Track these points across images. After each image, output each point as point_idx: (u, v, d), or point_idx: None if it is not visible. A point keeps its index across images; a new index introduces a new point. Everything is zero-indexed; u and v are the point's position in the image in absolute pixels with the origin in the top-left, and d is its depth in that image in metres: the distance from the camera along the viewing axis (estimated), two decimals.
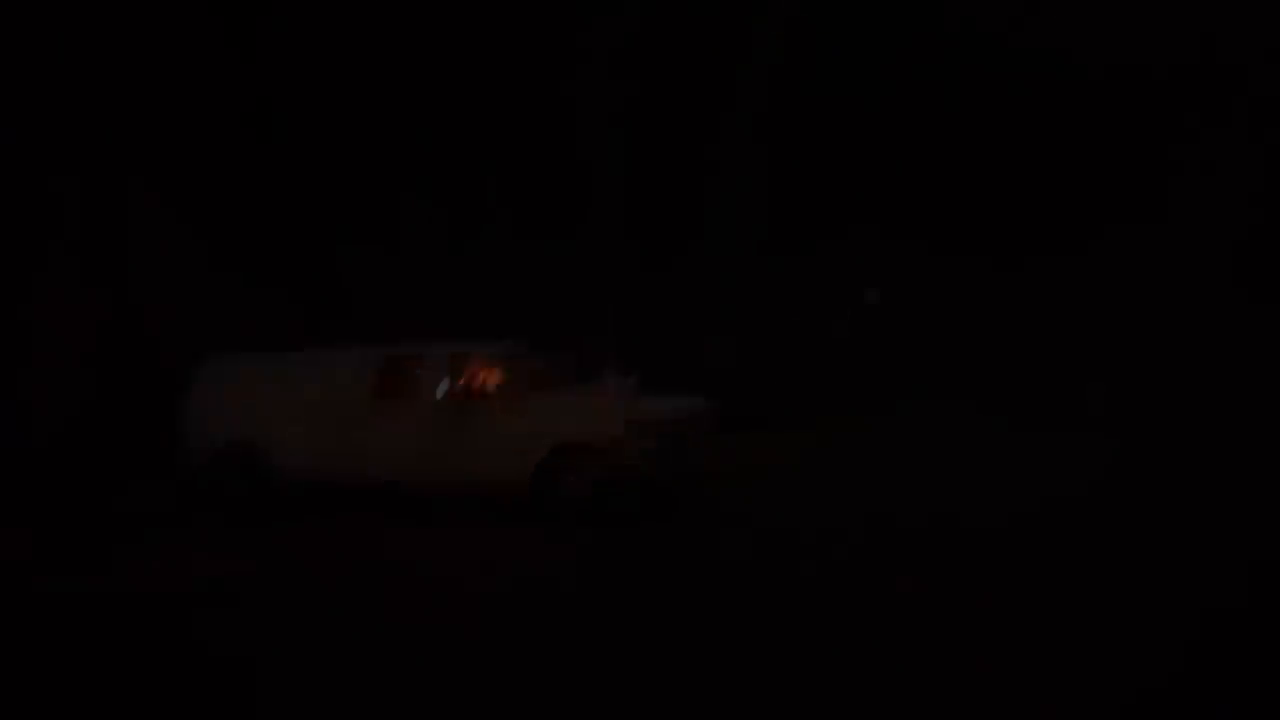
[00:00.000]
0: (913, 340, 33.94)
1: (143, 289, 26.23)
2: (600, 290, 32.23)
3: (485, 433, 20.32)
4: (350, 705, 11.20)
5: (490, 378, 20.72)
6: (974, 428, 28.78)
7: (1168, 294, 31.59)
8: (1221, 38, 31.48)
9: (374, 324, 28.67)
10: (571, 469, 19.80)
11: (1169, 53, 31.57)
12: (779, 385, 32.44)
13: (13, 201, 24.01)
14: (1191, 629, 12.31)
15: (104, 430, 23.68)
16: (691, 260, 33.10)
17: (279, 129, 29.78)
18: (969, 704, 10.91)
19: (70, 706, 11.02)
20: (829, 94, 33.46)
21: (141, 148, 26.38)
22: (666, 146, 32.90)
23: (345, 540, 18.75)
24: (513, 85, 32.05)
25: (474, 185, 32.45)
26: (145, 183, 26.46)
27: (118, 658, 12.39)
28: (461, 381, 20.79)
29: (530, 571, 16.31)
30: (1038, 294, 33.28)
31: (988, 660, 11.80)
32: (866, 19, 33.14)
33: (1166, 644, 11.98)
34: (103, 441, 23.51)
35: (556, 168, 32.79)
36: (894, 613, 12.98)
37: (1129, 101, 32.65)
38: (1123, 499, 19.10)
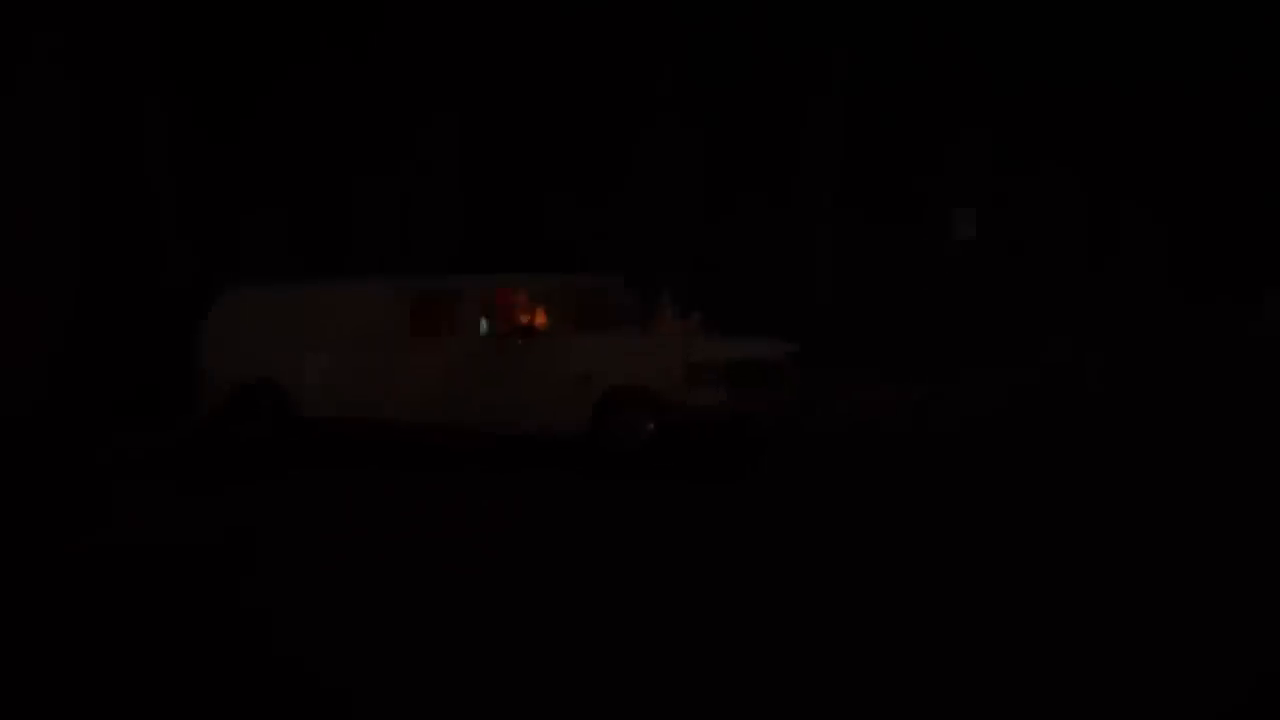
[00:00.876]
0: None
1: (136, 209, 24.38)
2: (671, 229, 30.45)
3: (530, 375, 18.72)
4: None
5: (537, 315, 18.76)
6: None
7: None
8: None
9: (393, 257, 27.01)
10: (626, 416, 18.14)
11: None
12: (884, 329, 30.40)
13: None
14: None
15: (93, 375, 21.74)
16: (777, 205, 31.56)
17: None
18: None
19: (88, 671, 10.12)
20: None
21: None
22: (749, 92, 31.42)
23: (361, 493, 17.22)
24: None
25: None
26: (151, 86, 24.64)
27: (130, 611, 11.71)
28: (505, 318, 18.86)
29: (543, 532, 14.74)
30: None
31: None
32: None
33: None
34: (92, 387, 21.58)
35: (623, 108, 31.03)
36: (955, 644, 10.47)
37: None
38: None
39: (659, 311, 19.40)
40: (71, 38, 21.52)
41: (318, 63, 28.88)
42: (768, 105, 32.23)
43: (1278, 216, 35.18)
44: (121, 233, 24.13)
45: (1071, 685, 9.24)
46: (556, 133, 31.32)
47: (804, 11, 31.79)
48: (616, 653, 10.11)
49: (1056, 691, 9.15)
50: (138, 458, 19.78)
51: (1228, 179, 35.11)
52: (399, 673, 9.77)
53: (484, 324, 19.07)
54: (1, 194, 21.15)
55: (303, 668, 10.03)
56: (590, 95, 31.48)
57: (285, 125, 28.29)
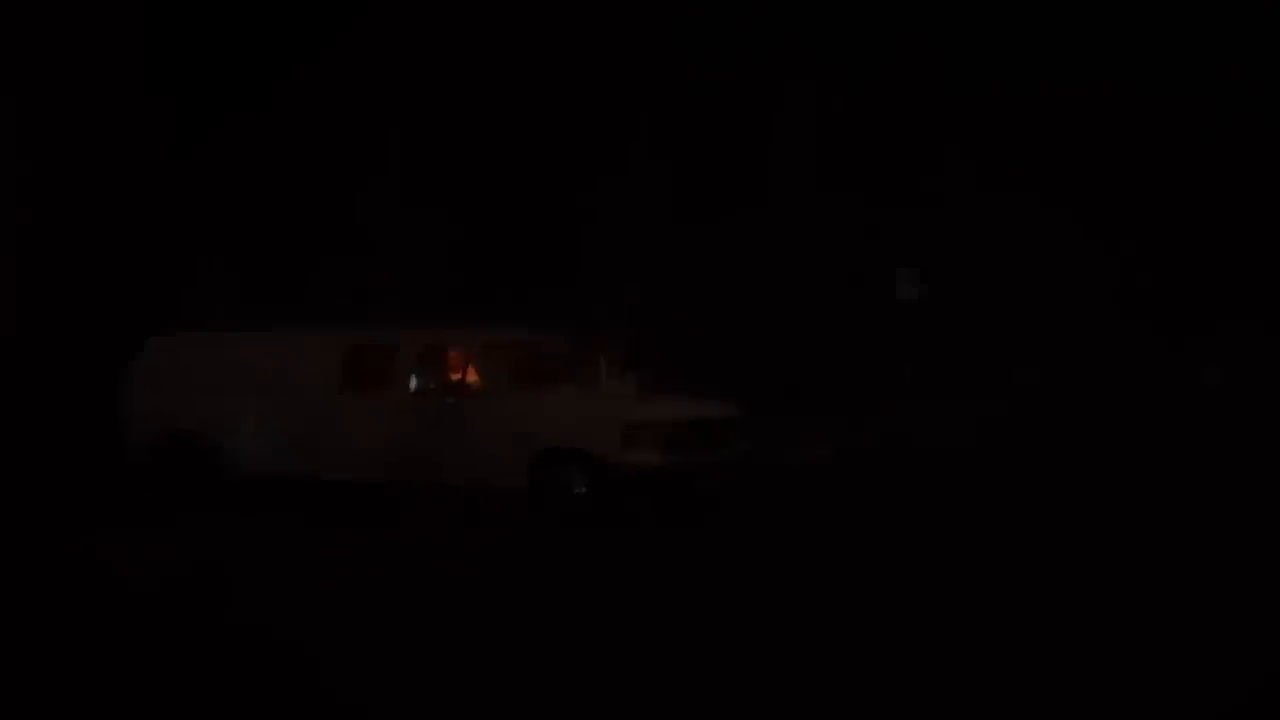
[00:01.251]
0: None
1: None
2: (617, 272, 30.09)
3: (465, 433, 18.01)
4: None
5: (471, 371, 18.32)
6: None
7: None
8: None
9: (332, 307, 26.51)
10: (561, 475, 17.76)
11: None
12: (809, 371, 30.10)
13: None
14: None
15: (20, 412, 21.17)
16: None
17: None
18: None
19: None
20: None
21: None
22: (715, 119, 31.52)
23: (283, 545, 16.71)
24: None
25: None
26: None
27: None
28: (440, 374, 18.50)
29: (474, 582, 14.34)
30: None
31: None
32: None
33: None
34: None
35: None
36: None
37: None
38: None
39: (598, 369, 19.03)
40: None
41: (270, 102, 28.29)
42: (735, 132, 31.91)
43: (1241, 248, 35.20)
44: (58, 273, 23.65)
45: None
46: (520, 172, 30.85)
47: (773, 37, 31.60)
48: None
49: None
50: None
51: (1194, 211, 35.10)
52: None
53: (414, 380, 18.63)
54: None
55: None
56: (552, 141, 31.08)
57: (239, 163, 27.63)
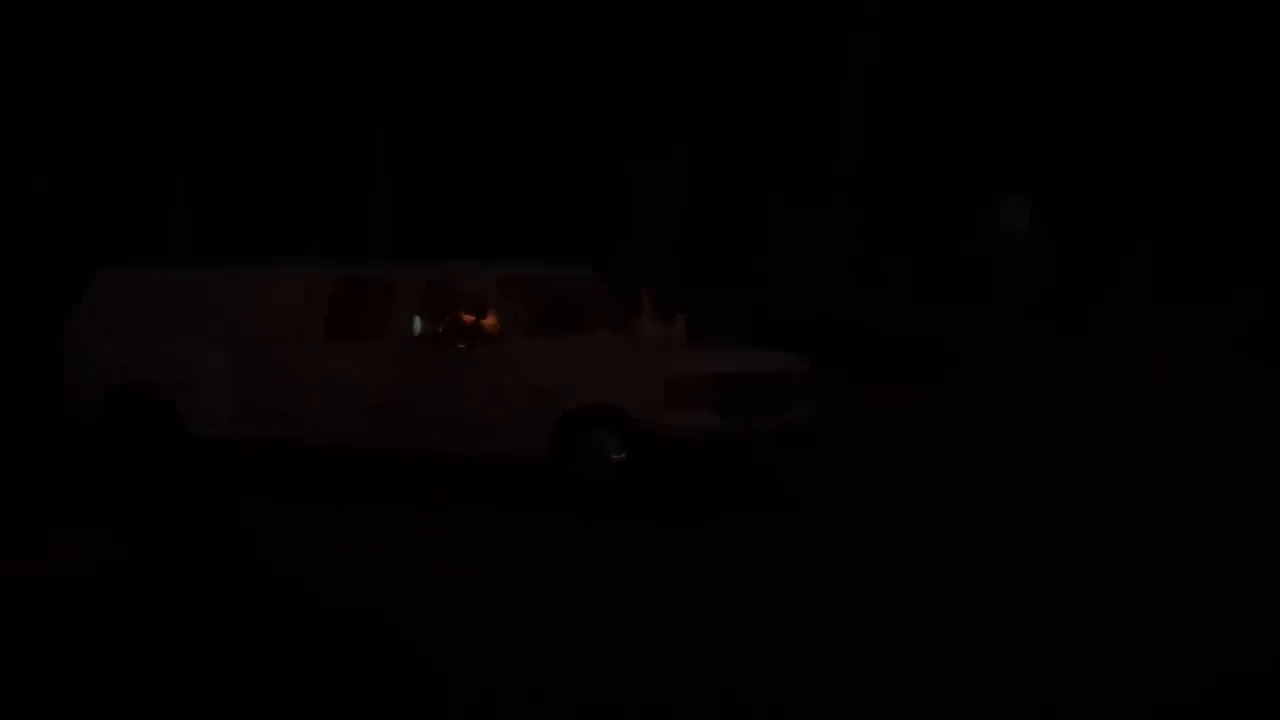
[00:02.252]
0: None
1: None
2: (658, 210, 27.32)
3: (475, 388, 15.25)
4: None
5: (485, 313, 15.31)
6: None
7: None
8: None
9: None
10: (591, 440, 14.80)
11: None
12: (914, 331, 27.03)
13: None
14: None
15: None
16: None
17: None
18: None
19: None
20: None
21: None
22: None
23: (244, 530, 13.88)
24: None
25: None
26: None
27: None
28: (446, 317, 15.54)
29: (481, 586, 11.43)
30: None
31: None
32: None
33: None
34: None
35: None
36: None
37: None
38: None
39: (638, 313, 15.85)
40: None
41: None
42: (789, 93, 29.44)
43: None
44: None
45: None
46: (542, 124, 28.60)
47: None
48: None
49: None
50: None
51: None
52: None
53: (418, 323, 15.48)
54: None
55: None
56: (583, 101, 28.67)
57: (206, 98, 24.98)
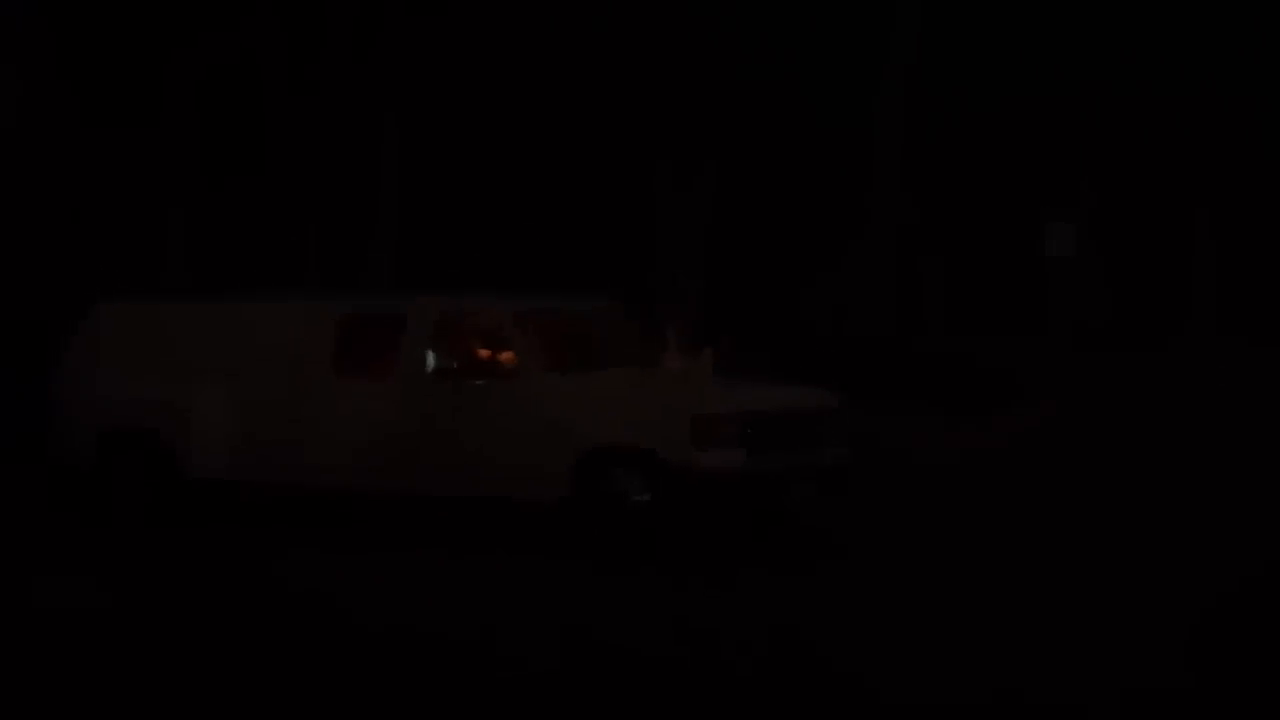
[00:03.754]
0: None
1: None
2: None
3: (491, 427, 14.35)
4: None
5: (501, 348, 14.55)
6: None
7: None
8: None
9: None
10: (614, 483, 13.90)
11: None
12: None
13: None
14: None
15: None
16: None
17: None
18: None
19: None
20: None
21: None
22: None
23: (251, 566, 13.12)
24: None
25: None
26: None
27: None
28: (459, 351, 14.71)
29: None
30: None
31: None
32: None
33: None
34: None
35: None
36: None
37: None
38: None
39: (662, 346, 14.98)
40: None
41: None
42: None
43: None
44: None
45: None
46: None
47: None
48: None
49: None
50: None
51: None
52: None
53: (431, 358, 14.61)
54: None
55: None
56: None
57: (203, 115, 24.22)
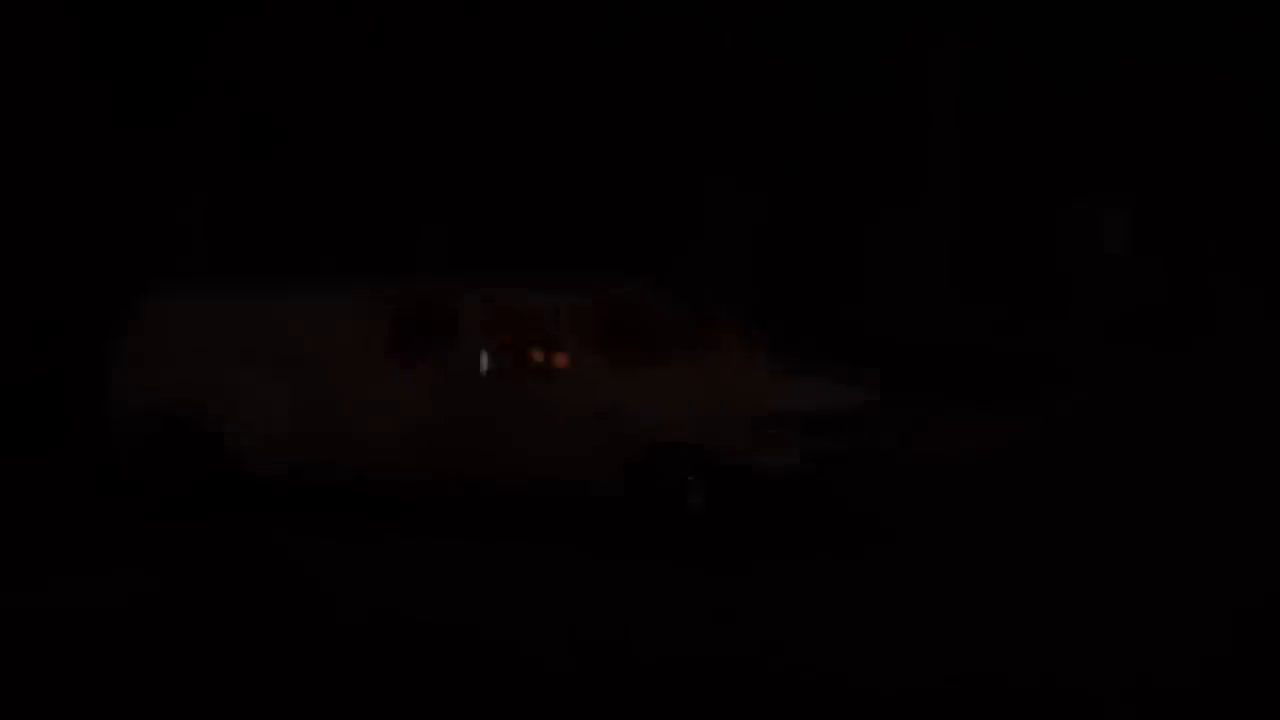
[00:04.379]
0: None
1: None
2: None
3: (540, 423, 14.21)
4: None
5: (554, 340, 14.23)
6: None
7: None
8: None
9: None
10: (671, 480, 13.74)
11: None
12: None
13: None
14: None
15: None
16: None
17: None
18: None
19: None
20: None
21: None
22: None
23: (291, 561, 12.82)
24: None
25: None
26: None
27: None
28: (511, 342, 14.40)
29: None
30: None
31: None
32: None
33: None
34: None
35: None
36: None
37: None
38: None
39: (717, 340, 14.77)
40: None
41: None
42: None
43: None
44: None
45: None
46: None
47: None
48: None
49: None
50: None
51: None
52: None
53: (483, 348, 14.40)
54: None
55: None
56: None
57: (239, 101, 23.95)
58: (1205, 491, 16.79)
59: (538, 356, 14.25)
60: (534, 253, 26.17)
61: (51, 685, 9.00)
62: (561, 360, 14.15)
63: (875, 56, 29.09)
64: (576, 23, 28.11)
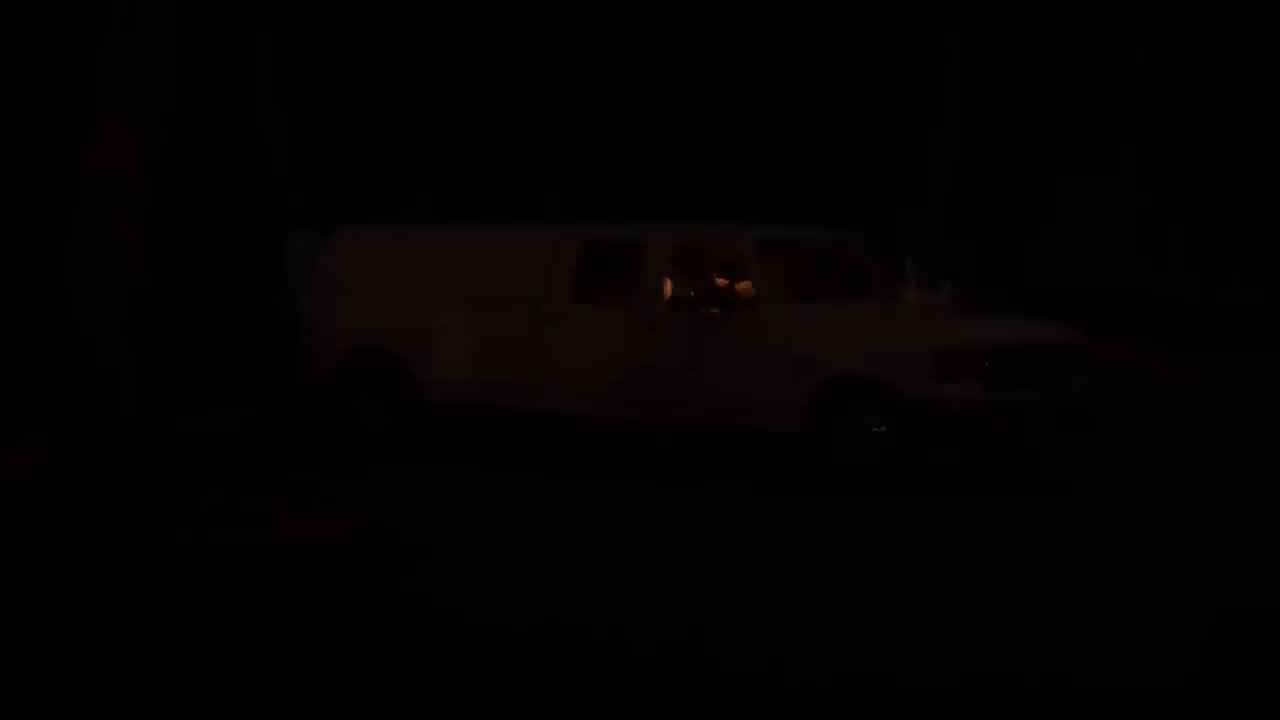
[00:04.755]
0: None
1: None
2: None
3: (729, 357, 14.23)
4: None
5: (739, 279, 14.37)
6: None
7: None
8: None
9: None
10: (852, 413, 13.69)
11: None
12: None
13: None
14: None
15: (182, 324, 17.41)
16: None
17: None
18: None
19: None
20: None
21: None
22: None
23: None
24: None
25: None
26: None
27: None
28: (698, 281, 14.61)
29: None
30: None
31: None
32: None
33: None
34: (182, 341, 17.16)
35: None
36: None
37: None
38: None
39: (902, 279, 14.79)
40: None
41: None
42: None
43: None
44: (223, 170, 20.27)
45: None
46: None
47: None
48: None
49: None
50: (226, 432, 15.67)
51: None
52: None
53: (669, 287, 14.55)
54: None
55: None
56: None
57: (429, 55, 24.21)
58: None
59: (721, 296, 14.37)
60: (730, 198, 26.32)
61: (253, 622, 9.11)
62: (746, 298, 14.28)
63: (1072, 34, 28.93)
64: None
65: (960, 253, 23.63)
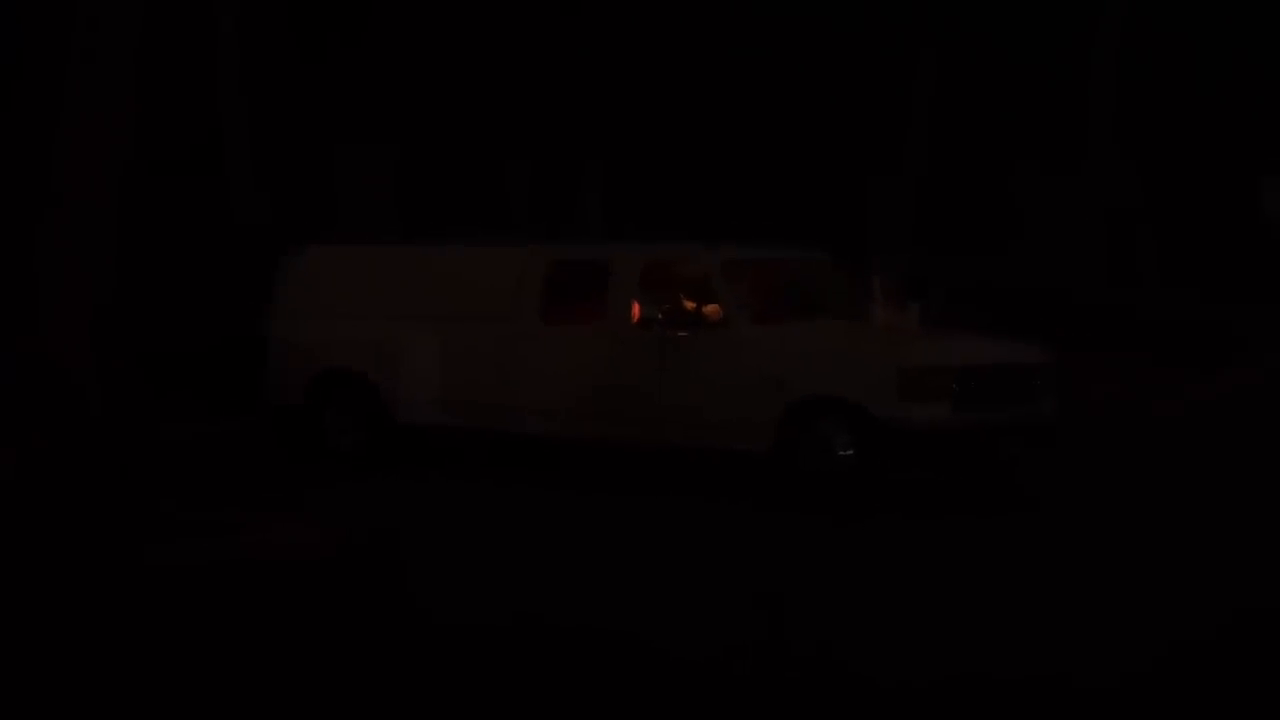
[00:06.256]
0: None
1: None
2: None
3: (697, 377, 14.18)
4: None
5: (707, 298, 14.40)
6: None
7: None
8: None
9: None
10: (818, 433, 13.68)
11: None
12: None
13: None
14: None
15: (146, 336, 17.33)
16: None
17: None
18: None
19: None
20: None
21: None
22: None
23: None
24: None
25: None
26: None
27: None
28: (666, 301, 14.55)
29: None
30: None
31: None
32: None
33: None
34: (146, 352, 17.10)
35: None
36: None
37: None
38: None
39: (871, 299, 14.82)
40: None
41: None
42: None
43: None
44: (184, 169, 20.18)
45: None
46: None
47: None
48: None
49: None
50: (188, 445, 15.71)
51: None
52: None
53: (636, 307, 14.55)
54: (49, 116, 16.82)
55: None
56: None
57: (401, 40, 23.98)
58: None
59: (689, 315, 14.37)
60: (698, 216, 26.28)
61: (226, 635, 9.21)
62: (714, 318, 14.28)
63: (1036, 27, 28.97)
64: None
65: (927, 260, 23.55)
